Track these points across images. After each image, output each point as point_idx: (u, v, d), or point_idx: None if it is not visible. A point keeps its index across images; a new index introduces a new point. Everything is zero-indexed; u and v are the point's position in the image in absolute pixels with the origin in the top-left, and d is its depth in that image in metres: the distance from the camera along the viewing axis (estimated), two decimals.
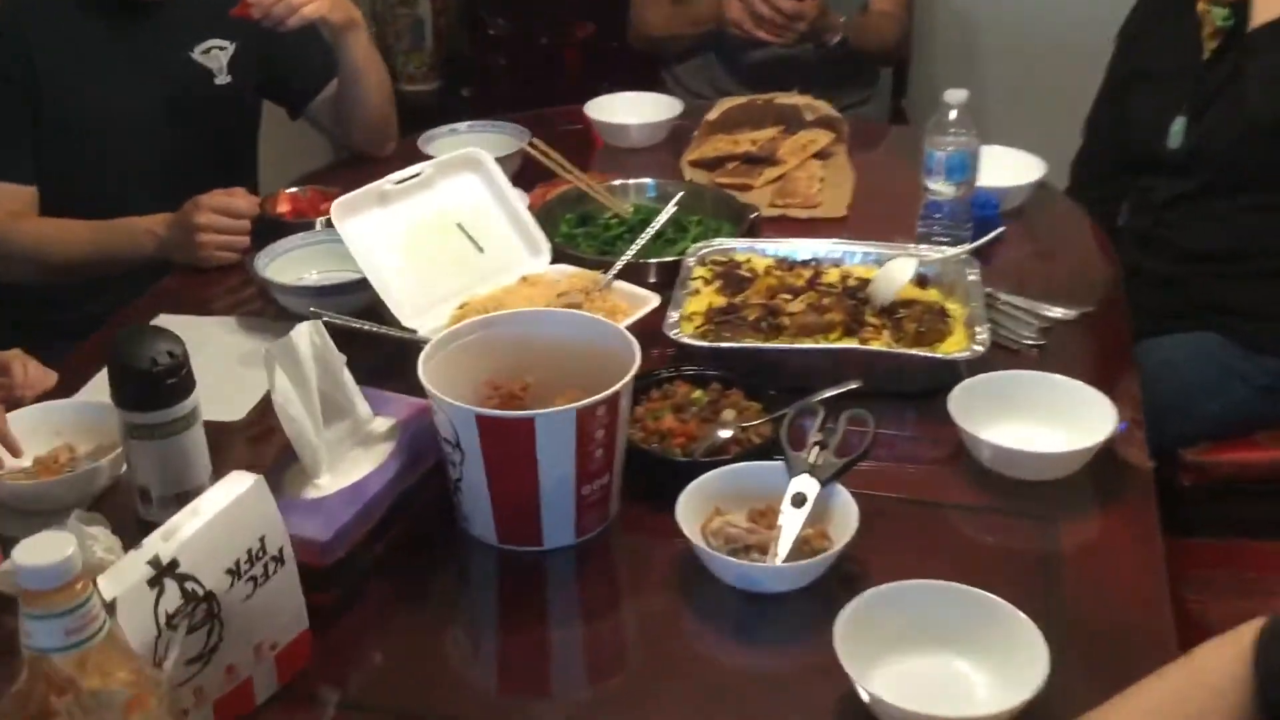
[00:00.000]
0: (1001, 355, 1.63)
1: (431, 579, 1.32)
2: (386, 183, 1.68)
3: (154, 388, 1.27)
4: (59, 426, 1.44)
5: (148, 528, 1.06)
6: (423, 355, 1.31)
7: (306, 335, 1.28)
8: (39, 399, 1.51)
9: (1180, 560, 1.46)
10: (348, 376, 1.32)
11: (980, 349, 1.52)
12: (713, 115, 2.23)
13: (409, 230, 1.68)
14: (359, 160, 2.23)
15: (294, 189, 2.03)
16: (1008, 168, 2.05)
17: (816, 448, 1.34)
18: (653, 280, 1.76)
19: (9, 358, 1.53)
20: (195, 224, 1.85)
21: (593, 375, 1.35)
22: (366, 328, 1.54)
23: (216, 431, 1.40)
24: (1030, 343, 1.67)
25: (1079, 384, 1.47)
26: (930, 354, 1.54)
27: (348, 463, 1.31)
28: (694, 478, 1.34)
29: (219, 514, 1.04)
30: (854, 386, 1.47)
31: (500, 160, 2.03)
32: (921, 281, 1.71)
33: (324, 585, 1.21)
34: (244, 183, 2.18)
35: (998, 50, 3.47)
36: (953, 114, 1.80)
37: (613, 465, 1.32)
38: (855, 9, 2.71)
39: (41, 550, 0.84)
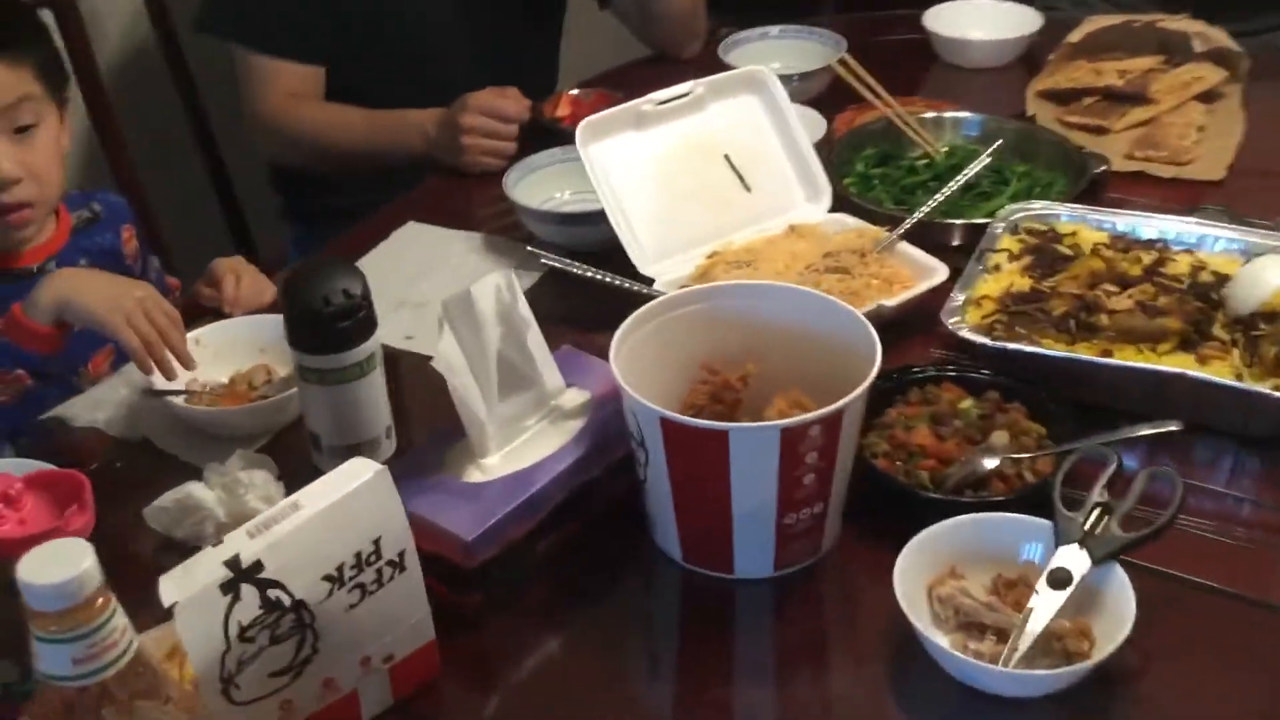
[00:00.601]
0: None
1: (600, 591, 1.13)
2: (646, 102, 1.46)
3: (324, 329, 1.14)
4: (264, 343, 1.34)
5: (319, 475, 0.92)
6: (620, 331, 1.11)
7: (492, 291, 1.10)
8: (253, 314, 1.42)
9: None
10: (536, 340, 1.14)
11: None
12: (1075, 36, 1.83)
13: (666, 159, 1.46)
14: (658, 61, 2.02)
15: (577, 91, 1.84)
16: None
17: (1098, 510, 1.04)
18: (957, 244, 1.46)
19: (223, 269, 1.46)
20: (461, 125, 1.71)
21: (828, 370, 1.11)
22: (589, 274, 1.35)
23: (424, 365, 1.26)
24: None
25: None
26: None
27: (527, 441, 1.14)
28: (937, 518, 1.07)
29: (323, 511, 0.89)
30: (1172, 429, 1.13)
31: (806, 76, 1.78)
32: None
33: (467, 588, 1.05)
34: (544, 81, 2.04)
35: None
36: None
37: (829, 493, 1.07)
38: None
39: (49, 564, 0.71)
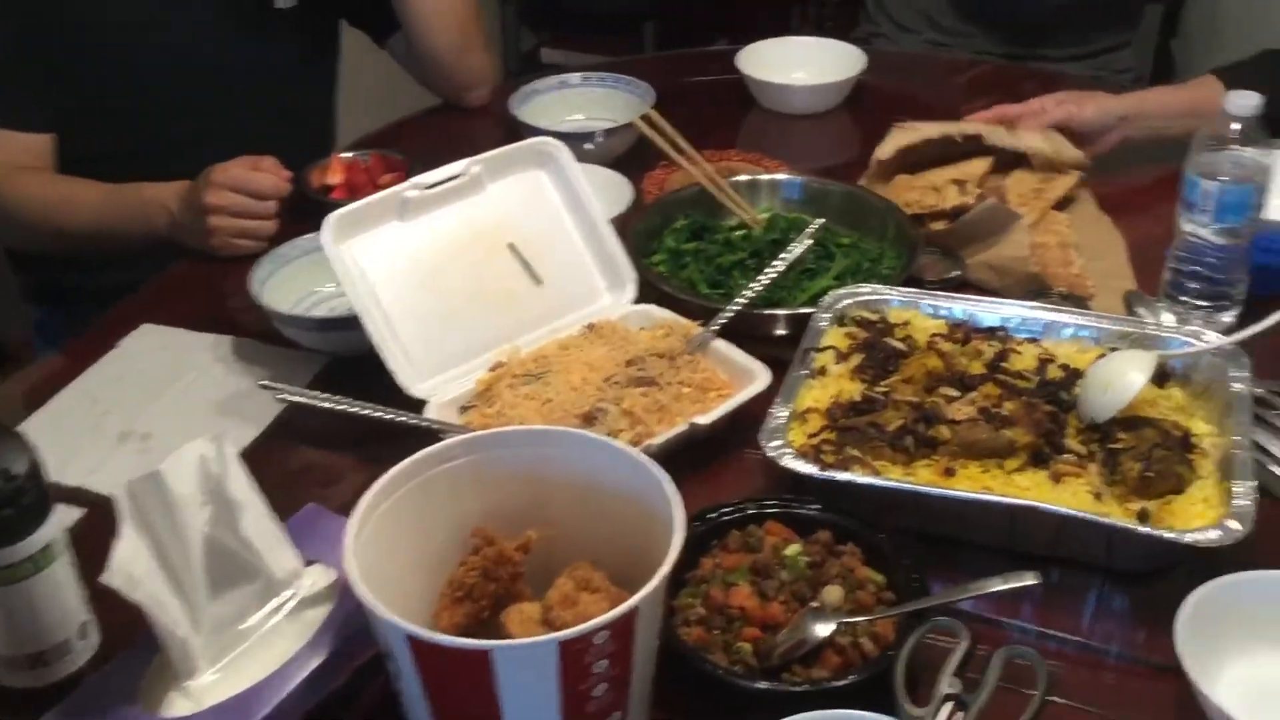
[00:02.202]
0: (1268, 506, 1.09)
1: None
2: (411, 186, 1.23)
3: None
4: None
5: None
6: (359, 509, 0.88)
7: (192, 466, 0.87)
8: None
9: None
10: (256, 518, 0.91)
11: (1237, 530, 0.98)
12: (886, 152, 1.54)
13: (438, 253, 1.24)
14: (448, 111, 1.80)
15: (350, 154, 1.61)
16: None
17: (948, 706, 0.86)
18: (782, 333, 1.28)
19: None
20: (205, 204, 1.46)
21: (626, 530, 0.92)
22: (340, 407, 1.12)
23: None
24: None
25: None
26: (1152, 531, 1.00)
27: (252, 647, 0.91)
28: (762, 712, 0.88)
29: None
30: (1029, 583, 0.96)
31: (611, 133, 1.58)
32: (1159, 375, 1.17)
33: None
34: (318, 138, 1.80)
35: None
36: (1235, 127, 1.22)
37: (626, 700, 0.87)
38: None
39: None
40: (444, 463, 0.94)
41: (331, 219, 1.18)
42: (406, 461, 0.92)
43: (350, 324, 1.23)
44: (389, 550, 0.89)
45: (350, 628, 0.92)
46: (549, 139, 1.31)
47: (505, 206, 1.27)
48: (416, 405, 1.17)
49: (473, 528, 0.95)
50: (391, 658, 0.85)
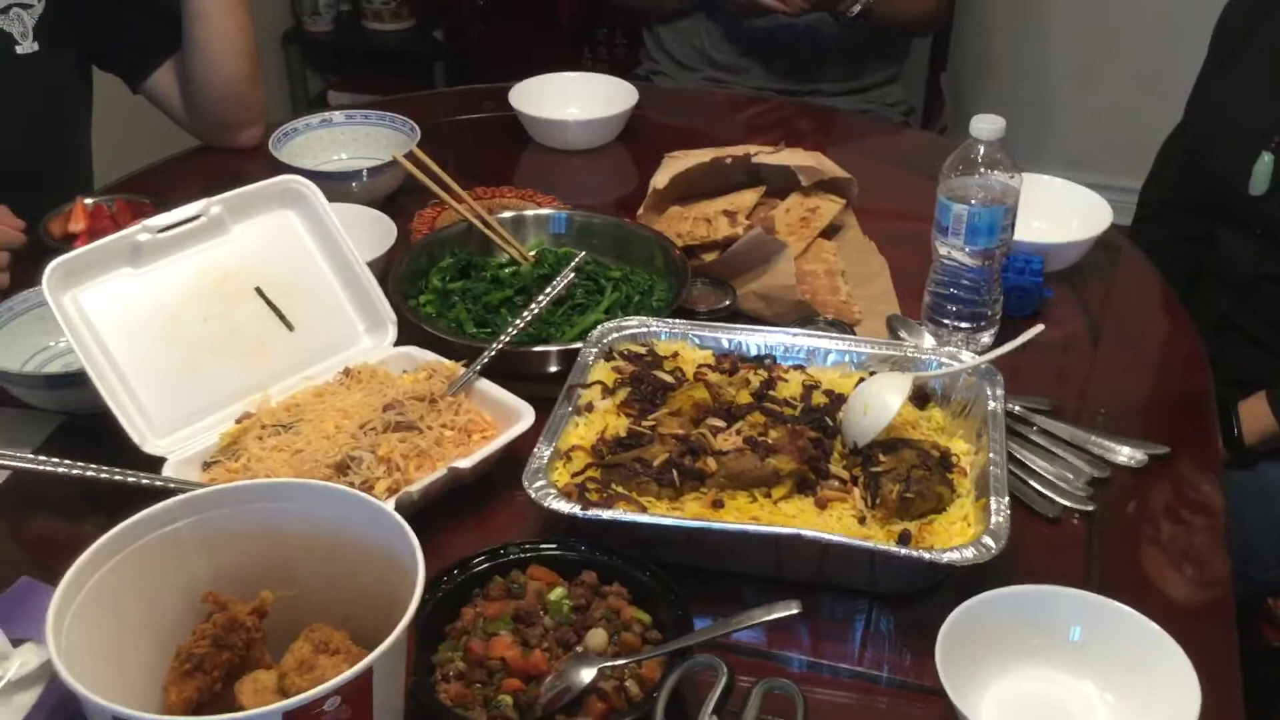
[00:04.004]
0: (1028, 522, 1.11)
1: None
2: (143, 230, 1.15)
3: None
4: None
5: None
6: (64, 583, 0.80)
7: None
8: None
9: None
10: None
11: (991, 548, 0.98)
12: (661, 181, 1.51)
13: (177, 300, 1.16)
14: (207, 152, 1.72)
15: (92, 200, 1.51)
16: (1063, 208, 1.50)
17: None
18: (554, 370, 1.24)
19: None
20: None
21: (373, 583, 0.86)
22: (60, 469, 1.03)
23: None
24: (1074, 505, 1.14)
25: (1148, 628, 0.93)
26: (911, 552, 1.00)
27: None
28: None
29: None
30: (793, 612, 0.94)
31: (376, 172, 1.53)
32: (921, 397, 1.18)
33: None
34: (70, 186, 1.69)
35: (1071, 20, 2.87)
36: (981, 151, 1.25)
37: None
38: None
39: None
40: (162, 526, 0.86)
41: (52, 267, 1.09)
42: (117, 529, 0.85)
43: (83, 380, 1.14)
44: (108, 623, 0.82)
45: (68, 710, 0.84)
46: (297, 177, 1.25)
47: (251, 249, 1.20)
48: (160, 464, 1.09)
49: (202, 593, 0.88)
50: None
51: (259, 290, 1.20)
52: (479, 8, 3.34)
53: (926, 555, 0.99)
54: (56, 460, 1.03)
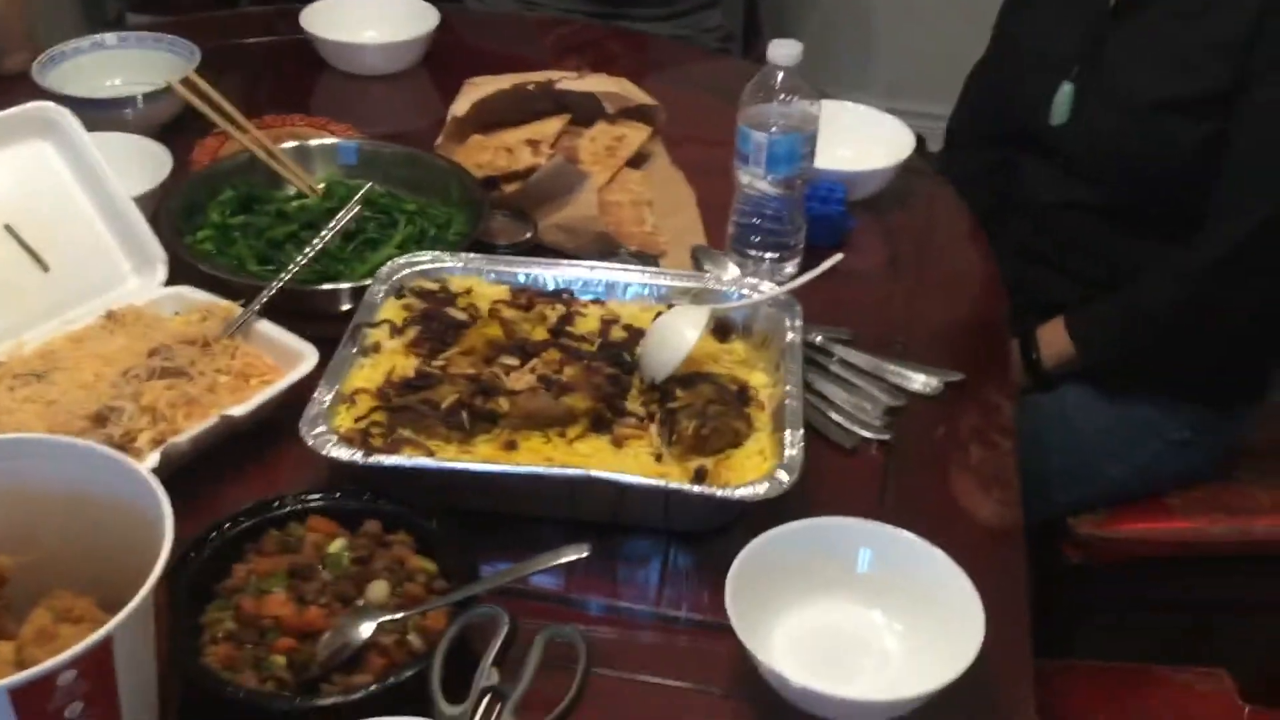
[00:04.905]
0: (827, 453, 1.11)
1: None
2: None
3: None
4: None
5: None
6: None
7: None
8: None
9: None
10: None
11: (784, 482, 0.97)
12: (461, 108, 1.44)
13: None
14: None
15: None
16: (867, 136, 1.49)
17: (487, 697, 0.80)
18: (345, 309, 1.17)
19: None
20: None
21: (121, 546, 0.79)
22: None
23: None
24: (871, 435, 1.14)
25: (937, 556, 0.93)
26: (704, 490, 0.98)
27: None
28: None
29: None
30: (584, 554, 0.91)
31: (152, 98, 1.43)
32: (723, 329, 1.15)
33: None
34: None
35: None
36: (779, 77, 1.23)
37: None
38: None
39: None
40: None
41: None
42: None
43: None
44: None
45: None
46: (51, 104, 1.15)
47: (0, 183, 1.10)
48: None
49: None
50: None
51: (8, 228, 1.10)
52: None
53: (719, 492, 0.97)
54: None
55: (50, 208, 1.12)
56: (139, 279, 1.16)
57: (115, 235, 1.16)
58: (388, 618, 0.88)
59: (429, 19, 1.68)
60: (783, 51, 1.21)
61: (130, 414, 1.00)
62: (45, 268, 1.11)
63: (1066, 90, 1.47)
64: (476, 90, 1.48)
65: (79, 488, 0.82)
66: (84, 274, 1.13)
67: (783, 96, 1.23)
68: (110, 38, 1.55)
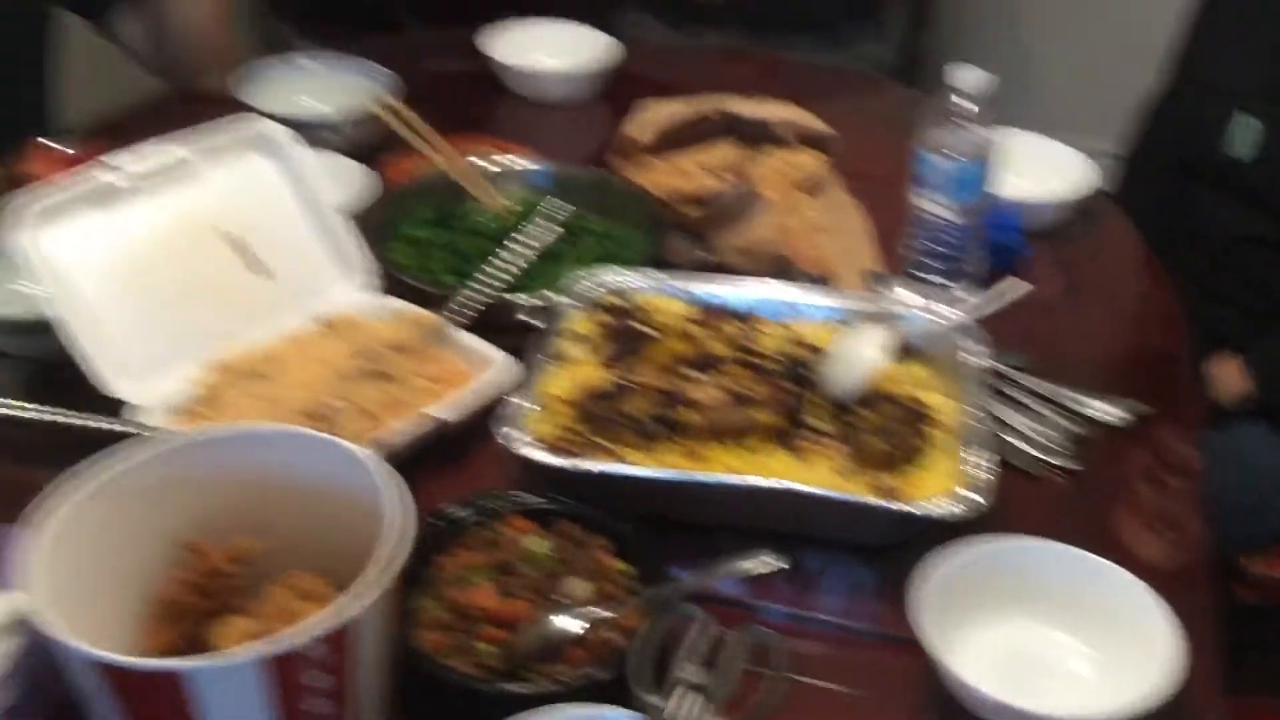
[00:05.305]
0: (1009, 479, 1.11)
1: None
2: (112, 171, 1.13)
3: None
4: None
5: None
6: (36, 519, 0.79)
7: None
8: None
9: None
10: None
11: (975, 501, 0.98)
12: (634, 130, 1.49)
13: (148, 245, 1.14)
14: (174, 99, 1.68)
15: (54, 143, 1.47)
16: (1043, 165, 1.49)
17: (690, 695, 0.83)
18: (529, 321, 1.22)
19: None
20: None
21: (346, 532, 0.85)
22: (24, 414, 1.01)
23: None
24: (1056, 462, 1.14)
25: (1129, 581, 0.93)
26: (893, 505, 1.00)
27: None
28: (502, 713, 0.83)
29: None
30: (782, 566, 0.94)
31: (352, 119, 1.51)
32: (902, 352, 1.17)
33: None
34: (29, 130, 1.64)
35: None
36: (962, 104, 1.24)
37: (352, 715, 0.80)
38: None
39: None
40: (130, 468, 0.84)
41: (12, 207, 1.06)
42: (80, 469, 0.82)
43: (46, 325, 1.11)
44: (81, 568, 0.80)
45: (42, 663, 0.82)
46: (269, 122, 1.22)
47: (223, 194, 1.18)
48: (128, 410, 1.07)
49: (184, 537, 0.87)
50: (81, 688, 0.76)
51: (230, 235, 1.18)
52: None
53: (909, 508, 0.99)
54: (22, 404, 1.01)
55: (267, 218, 1.20)
56: (345, 287, 1.22)
57: (324, 246, 1.23)
58: (589, 613, 0.92)
59: (609, 50, 1.74)
60: (966, 77, 1.23)
61: (346, 413, 1.06)
62: (263, 274, 1.18)
63: (1249, 122, 1.45)
64: (649, 113, 1.52)
65: (316, 479, 0.87)
66: (296, 281, 1.20)
67: (964, 123, 1.24)
68: (309, 61, 1.64)
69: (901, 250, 1.32)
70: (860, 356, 1.09)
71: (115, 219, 1.12)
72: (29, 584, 0.75)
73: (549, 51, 1.77)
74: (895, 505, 1.00)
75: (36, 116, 1.69)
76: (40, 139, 1.46)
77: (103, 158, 1.41)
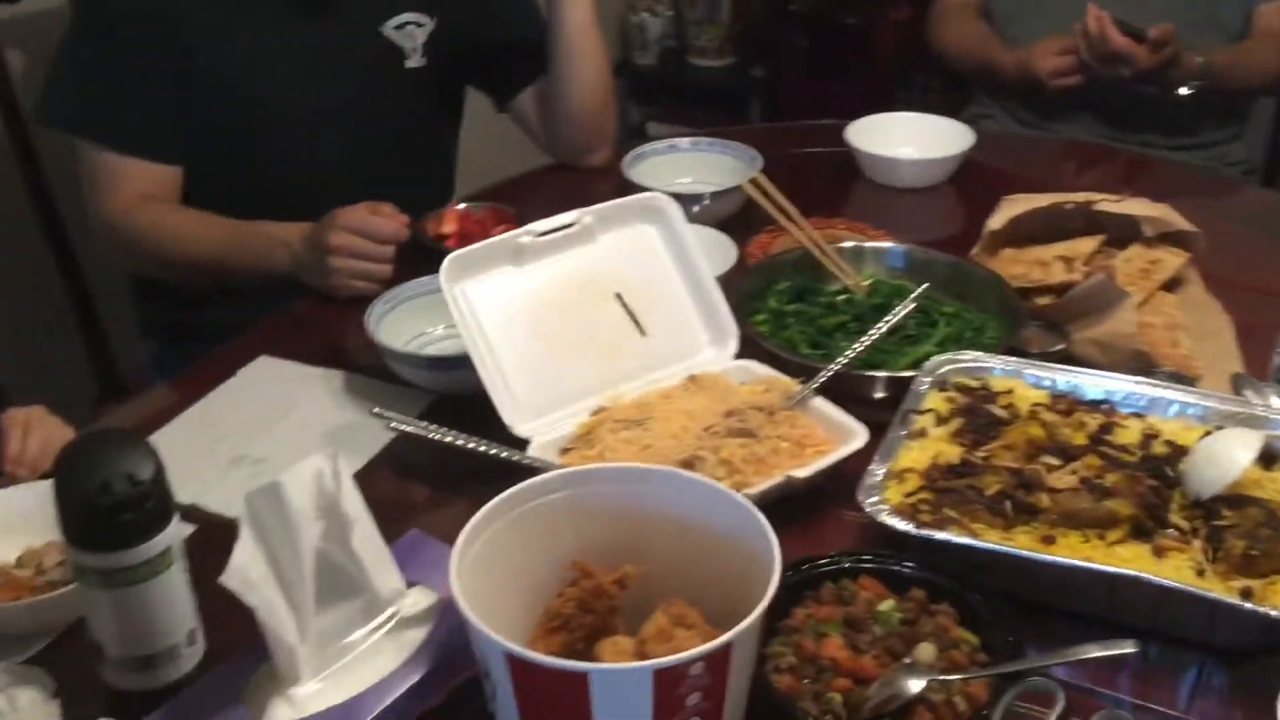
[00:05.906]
0: None
1: None
2: (525, 233, 1.27)
3: (103, 523, 0.92)
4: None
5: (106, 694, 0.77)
6: (467, 530, 0.91)
7: (310, 479, 0.90)
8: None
9: None
10: (366, 536, 0.94)
11: None
12: (996, 223, 1.53)
13: (547, 298, 1.27)
14: (560, 170, 1.86)
15: (464, 205, 1.66)
16: None
17: None
18: (880, 396, 1.29)
19: (12, 421, 1.24)
20: (328, 244, 1.51)
21: (721, 570, 0.93)
22: (447, 439, 1.15)
23: None
24: None
25: None
26: (1258, 608, 0.98)
27: (353, 661, 0.93)
28: None
29: None
30: (1130, 651, 0.95)
31: (719, 196, 1.62)
32: (1267, 458, 1.15)
33: None
34: (436, 191, 1.86)
35: None
36: None
37: None
38: (1221, 36, 2.07)
39: None
40: (542, 496, 0.96)
41: (451, 260, 1.22)
42: (507, 492, 0.94)
43: (458, 363, 1.26)
44: (487, 578, 0.91)
45: (448, 649, 0.94)
46: (659, 194, 1.34)
47: (614, 257, 1.30)
48: (519, 445, 1.20)
49: (570, 561, 0.97)
50: (489, 677, 0.86)
51: (618, 295, 1.30)
52: (800, 49, 3.43)
53: (1274, 613, 0.97)
54: (446, 429, 1.15)
55: (650, 282, 1.31)
56: (713, 350, 1.32)
57: (698, 310, 1.33)
58: (937, 678, 0.95)
59: (963, 139, 1.78)
60: None
61: (711, 464, 1.14)
62: (643, 332, 1.30)
63: None
64: (1014, 206, 1.56)
65: (689, 517, 0.96)
66: (672, 340, 1.30)
67: None
68: (683, 142, 1.78)
69: (1276, 357, 1.29)
70: (1231, 458, 1.08)
71: (523, 274, 1.26)
72: (458, 589, 0.86)
73: (904, 141, 1.83)
74: (1258, 608, 0.98)
75: (446, 181, 1.91)
76: (455, 203, 1.65)
77: (500, 224, 1.59)
